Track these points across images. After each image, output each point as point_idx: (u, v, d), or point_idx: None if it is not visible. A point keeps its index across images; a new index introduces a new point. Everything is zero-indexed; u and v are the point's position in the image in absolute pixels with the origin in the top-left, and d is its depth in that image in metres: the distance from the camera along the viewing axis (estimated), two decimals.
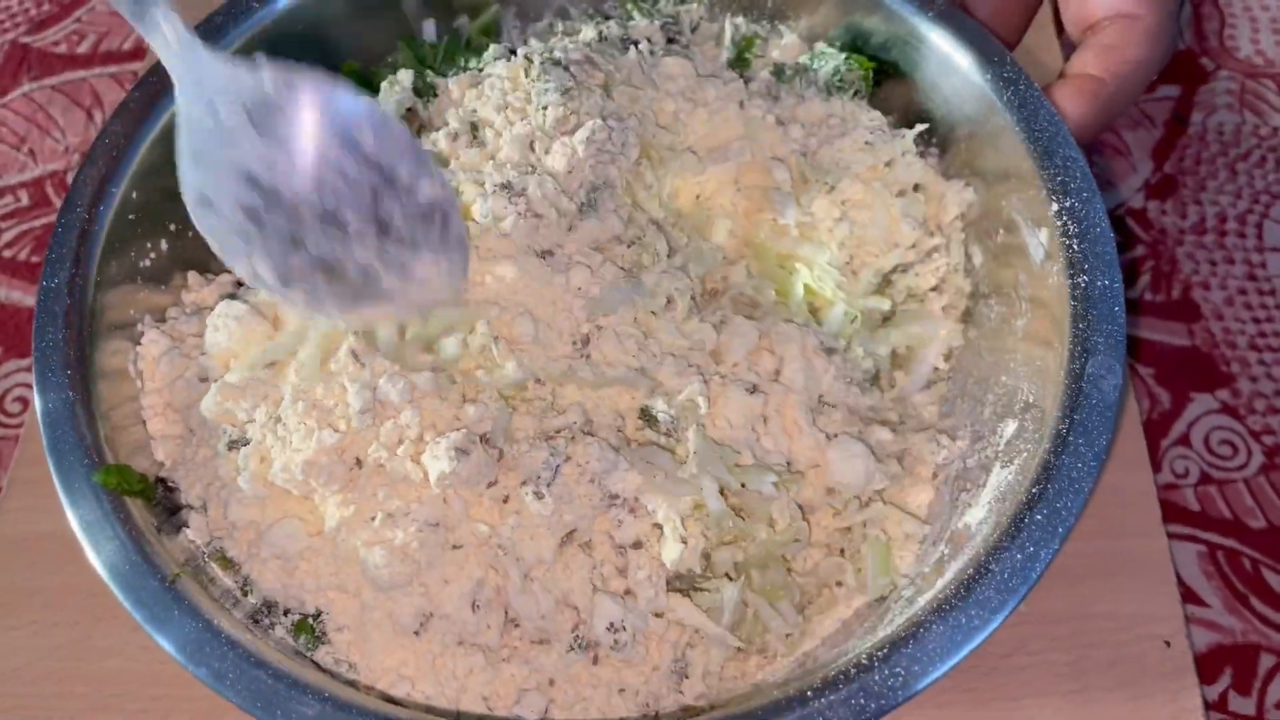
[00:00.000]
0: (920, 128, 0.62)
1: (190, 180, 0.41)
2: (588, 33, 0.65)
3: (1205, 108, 0.81)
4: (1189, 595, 0.62)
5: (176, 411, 0.54)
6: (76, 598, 0.59)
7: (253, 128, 0.40)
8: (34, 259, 0.76)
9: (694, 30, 0.68)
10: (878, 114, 0.63)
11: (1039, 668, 0.55)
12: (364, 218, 0.42)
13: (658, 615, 0.49)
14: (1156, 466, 0.66)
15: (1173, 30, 0.58)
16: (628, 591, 0.49)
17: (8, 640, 0.58)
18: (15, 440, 0.67)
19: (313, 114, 0.40)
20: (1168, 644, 0.56)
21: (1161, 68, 0.59)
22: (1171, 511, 0.65)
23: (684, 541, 0.48)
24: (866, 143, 0.61)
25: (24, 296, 0.74)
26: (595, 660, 0.49)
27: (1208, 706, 0.57)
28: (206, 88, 0.40)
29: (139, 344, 0.56)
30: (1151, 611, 0.57)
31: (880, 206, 0.60)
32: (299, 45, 0.63)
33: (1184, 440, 0.68)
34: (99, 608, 0.58)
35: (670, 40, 0.67)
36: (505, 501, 0.49)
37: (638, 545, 0.50)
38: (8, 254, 0.76)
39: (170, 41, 0.41)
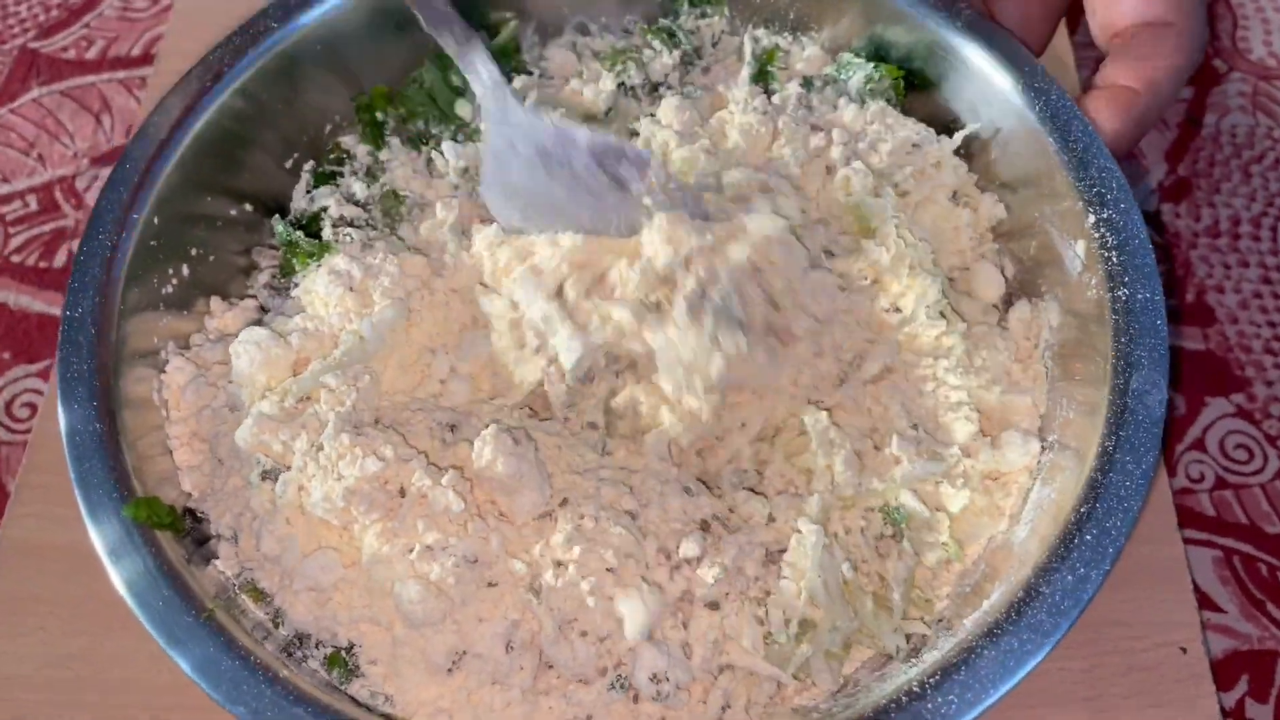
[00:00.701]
0: (969, 129, 0.60)
1: (491, 180, 0.55)
2: (607, 83, 0.64)
3: (1218, 110, 0.80)
4: (1205, 601, 0.62)
5: (203, 441, 0.53)
6: (87, 606, 0.58)
7: (540, 166, 0.54)
8: (42, 264, 0.75)
9: (715, 45, 0.67)
10: (913, 120, 0.62)
11: (1054, 675, 0.55)
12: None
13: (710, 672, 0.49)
14: (1172, 471, 0.66)
15: (1203, 36, 0.57)
16: (685, 644, 0.48)
17: (16, 646, 0.57)
18: (23, 446, 0.67)
19: (577, 152, 0.54)
20: (1184, 651, 0.56)
21: (1192, 73, 0.58)
22: (1187, 517, 0.64)
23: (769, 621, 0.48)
24: (914, 145, 0.60)
25: (32, 301, 0.74)
26: (635, 699, 0.48)
27: (1225, 713, 0.57)
28: (510, 126, 0.54)
29: (163, 372, 0.55)
30: (1167, 618, 0.57)
31: (943, 213, 0.59)
32: (319, 64, 0.62)
33: (1199, 445, 0.67)
34: (109, 616, 0.57)
35: (688, 62, 0.67)
36: (558, 566, 0.48)
37: (714, 606, 0.49)
38: (16, 259, 0.76)
39: (485, 82, 0.55)
